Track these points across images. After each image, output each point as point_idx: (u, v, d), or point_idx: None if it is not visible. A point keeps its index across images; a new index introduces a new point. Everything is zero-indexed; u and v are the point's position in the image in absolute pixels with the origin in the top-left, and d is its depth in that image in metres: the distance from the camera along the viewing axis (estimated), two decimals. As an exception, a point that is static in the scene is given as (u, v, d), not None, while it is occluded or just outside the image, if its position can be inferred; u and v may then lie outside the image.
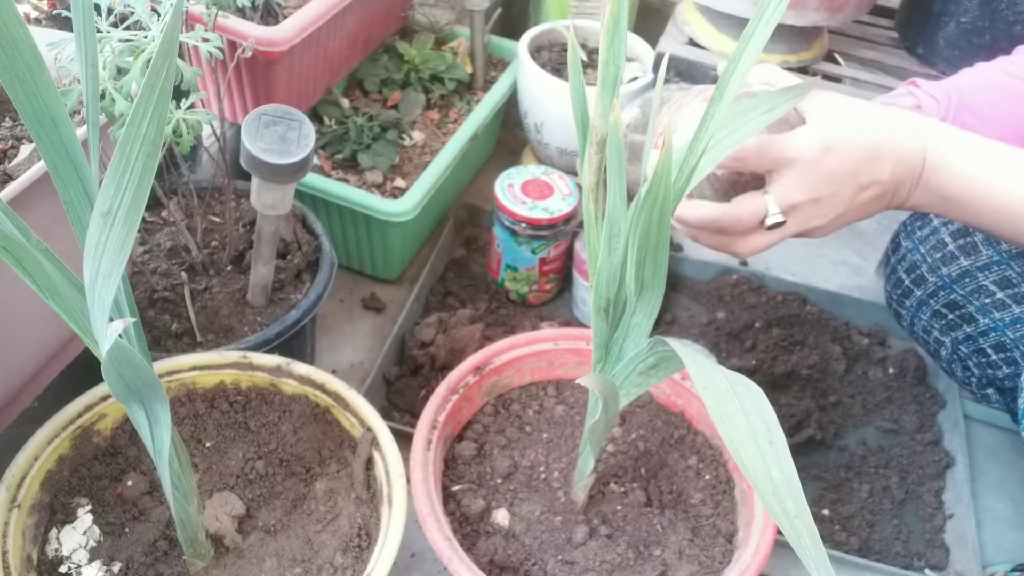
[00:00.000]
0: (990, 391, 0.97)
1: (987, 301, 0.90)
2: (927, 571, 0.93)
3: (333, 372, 1.03)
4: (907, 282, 0.98)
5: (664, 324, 1.16)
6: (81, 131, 0.61)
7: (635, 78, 1.20)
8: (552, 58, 1.27)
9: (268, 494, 0.77)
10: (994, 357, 0.93)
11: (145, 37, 0.70)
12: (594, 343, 0.67)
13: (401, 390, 1.03)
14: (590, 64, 1.20)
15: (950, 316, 0.94)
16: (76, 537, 0.71)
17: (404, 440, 0.80)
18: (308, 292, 0.93)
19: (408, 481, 0.75)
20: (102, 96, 0.67)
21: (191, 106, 0.73)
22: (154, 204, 0.96)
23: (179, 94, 0.71)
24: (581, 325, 1.15)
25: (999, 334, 0.91)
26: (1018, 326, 0.89)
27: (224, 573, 0.71)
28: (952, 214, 0.70)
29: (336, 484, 0.78)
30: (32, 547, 0.70)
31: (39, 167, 0.66)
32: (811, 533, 0.43)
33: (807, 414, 1.04)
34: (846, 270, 1.30)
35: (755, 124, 0.62)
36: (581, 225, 1.13)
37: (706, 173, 0.62)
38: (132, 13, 0.71)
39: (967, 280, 0.91)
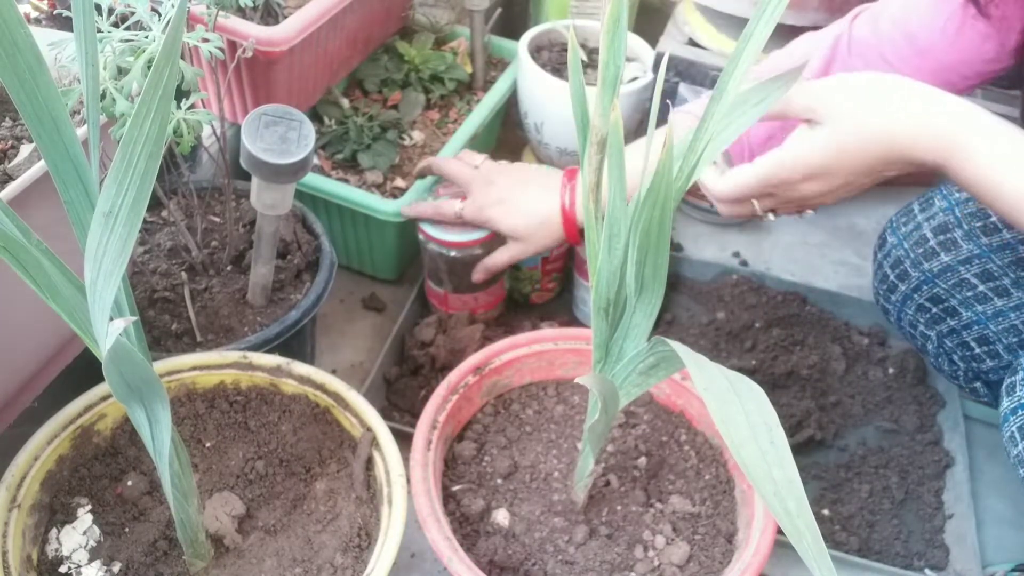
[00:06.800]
0: (977, 385, 0.97)
1: (969, 294, 0.91)
2: (927, 571, 0.93)
3: (333, 372, 1.03)
4: (892, 277, 0.98)
5: (664, 324, 1.16)
6: (82, 131, 0.61)
7: (635, 78, 1.20)
8: (552, 58, 1.27)
9: (268, 494, 0.77)
10: (978, 350, 0.93)
11: (146, 37, 0.70)
12: (594, 343, 0.67)
13: (401, 390, 1.03)
14: (590, 64, 1.20)
15: (934, 310, 0.95)
16: (76, 537, 0.71)
17: (404, 440, 0.80)
18: (308, 292, 0.93)
19: (408, 481, 0.75)
20: (103, 96, 0.67)
21: (191, 106, 0.73)
22: (154, 204, 0.96)
23: (180, 94, 0.71)
24: (581, 325, 1.15)
25: (982, 327, 0.91)
26: (1000, 319, 0.90)
27: (224, 573, 0.71)
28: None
29: (336, 484, 0.78)
30: (32, 547, 0.70)
31: (39, 167, 0.66)
32: (813, 533, 0.43)
33: (807, 414, 1.04)
34: (846, 270, 1.30)
35: (748, 117, 0.63)
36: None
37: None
38: (133, 13, 0.71)
39: (949, 274, 0.91)
